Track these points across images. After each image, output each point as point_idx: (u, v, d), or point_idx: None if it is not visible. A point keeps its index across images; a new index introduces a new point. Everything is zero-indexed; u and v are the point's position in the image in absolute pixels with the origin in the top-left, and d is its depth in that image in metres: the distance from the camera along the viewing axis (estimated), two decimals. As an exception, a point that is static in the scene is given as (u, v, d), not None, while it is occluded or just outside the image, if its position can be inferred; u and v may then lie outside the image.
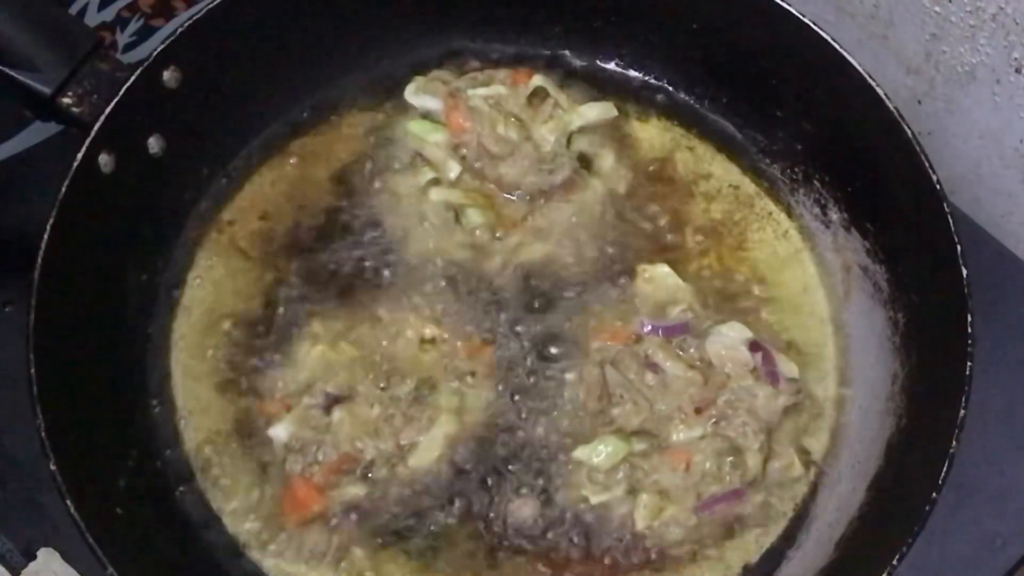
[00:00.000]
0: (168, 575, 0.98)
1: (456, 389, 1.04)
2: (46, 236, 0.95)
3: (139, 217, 1.07)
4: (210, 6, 1.05)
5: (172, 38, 1.03)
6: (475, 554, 1.01)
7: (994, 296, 1.16)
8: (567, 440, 1.03)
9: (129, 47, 1.30)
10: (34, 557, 1.05)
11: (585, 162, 1.14)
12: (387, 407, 1.02)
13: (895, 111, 1.01)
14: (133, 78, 1.00)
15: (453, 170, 1.11)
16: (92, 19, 1.31)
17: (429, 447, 1.02)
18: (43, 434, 0.91)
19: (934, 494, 0.90)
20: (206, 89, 1.08)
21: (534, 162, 1.11)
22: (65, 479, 0.90)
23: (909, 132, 1.01)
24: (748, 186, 1.16)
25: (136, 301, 1.08)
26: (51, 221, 0.95)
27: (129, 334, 1.06)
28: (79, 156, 0.98)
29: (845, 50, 1.03)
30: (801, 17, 1.05)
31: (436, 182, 1.11)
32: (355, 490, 1.01)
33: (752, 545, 1.03)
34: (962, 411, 0.92)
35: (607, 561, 1.01)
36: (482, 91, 1.12)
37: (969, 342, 0.94)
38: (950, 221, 0.98)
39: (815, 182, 1.15)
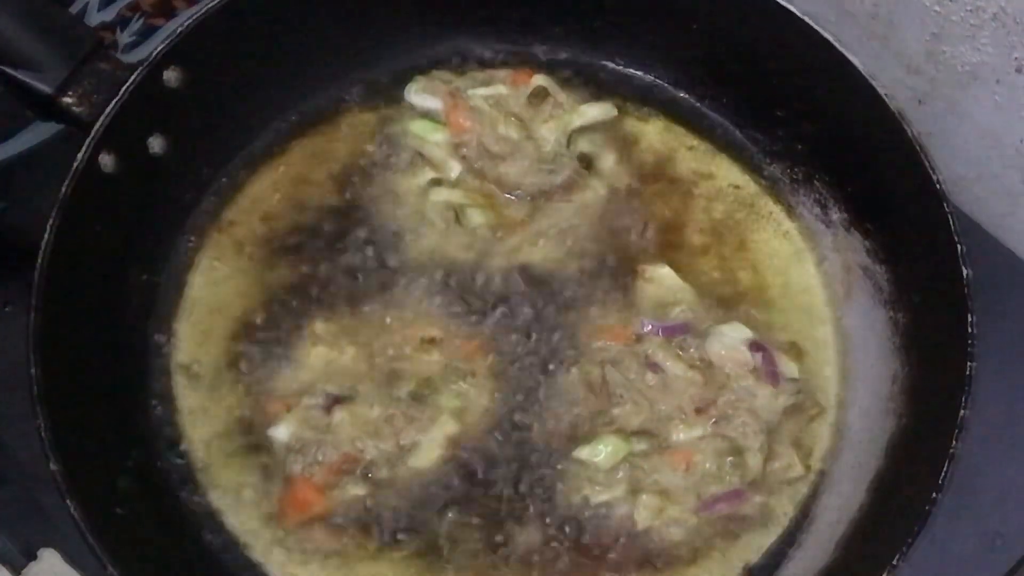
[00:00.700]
0: (168, 575, 0.98)
1: (457, 389, 1.04)
2: (47, 236, 0.95)
3: (140, 217, 1.07)
4: (211, 6, 1.05)
5: (173, 38, 1.03)
6: (477, 554, 1.01)
7: (995, 296, 1.16)
8: (567, 440, 1.03)
9: (130, 47, 1.30)
10: (35, 557, 1.05)
11: (586, 162, 1.14)
12: (388, 407, 1.02)
13: (896, 111, 1.01)
14: (134, 78, 1.00)
15: (454, 170, 1.11)
16: (93, 19, 1.31)
17: (430, 447, 1.02)
18: (44, 434, 0.91)
19: (935, 494, 0.90)
20: (207, 89, 1.07)
21: (535, 162, 1.11)
22: (66, 479, 0.90)
23: (910, 132, 1.01)
24: (749, 186, 1.16)
25: (137, 301, 1.08)
26: (52, 221, 0.95)
27: (130, 334, 1.06)
28: (80, 156, 0.98)
29: (846, 50, 1.03)
30: (802, 17, 1.05)
31: (437, 182, 1.11)
32: (356, 490, 1.01)
33: (753, 545, 1.03)
34: (963, 411, 0.92)
35: (608, 561, 1.01)
36: (483, 91, 1.13)
37: (970, 342, 0.94)
38: (951, 221, 0.98)
39: (816, 182, 1.15)
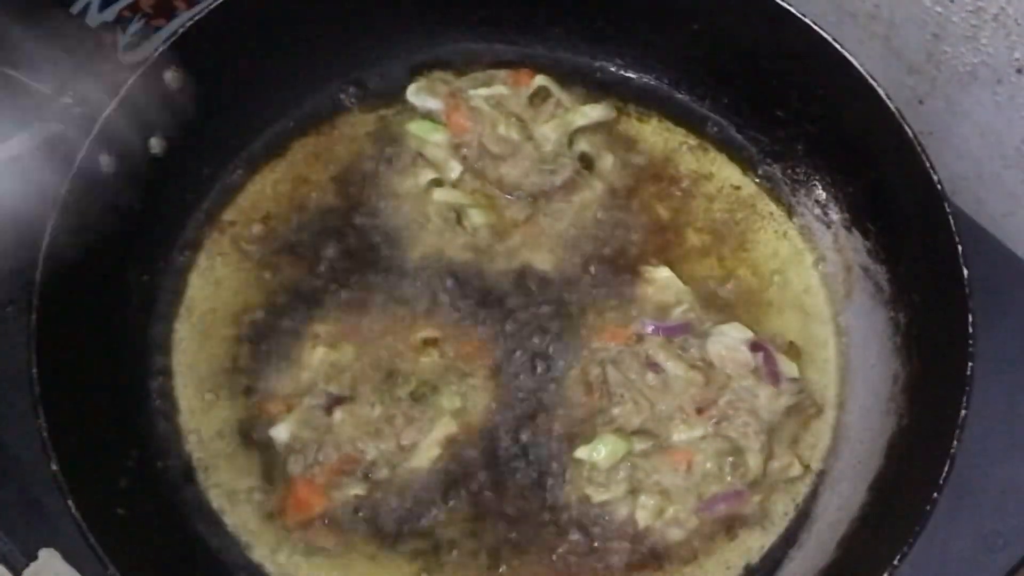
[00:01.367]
0: (168, 575, 0.98)
1: (457, 390, 1.05)
2: (47, 236, 0.95)
3: (140, 217, 1.07)
4: (211, 6, 1.05)
5: (173, 38, 1.03)
6: (476, 554, 1.01)
7: (995, 296, 1.16)
8: (568, 440, 1.03)
9: (130, 47, 1.30)
10: (35, 557, 1.05)
11: (586, 162, 1.14)
12: (388, 408, 1.02)
13: (896, 111, 1.01)
14: (134, 78, 1.00)
15: (454, 170, 1.11)
16: (93, 19, 1.31)
17: (430, 447, 1.02)
18: (44, 434, 0.91)
19: (935, 494, 0.90)
20: (207, 89, 1.08)
21: (535, 162, 1.11)
22: (66, 479, 0.90)
23: (910, 132, 1.01)
24: (749, 186, 1.16)
25: (137, 301, 1.08)
26: (52, 221, 0.96)
27: (130, 334, 1.06)
28: (80, 156, 0.98)
29: (846, 50, 1.03)
30: (802, 17, 1.05)
31: (437, 183, 1.11)
32: (356, 490, 1.01)
33: (753, 545, 1.03)
34: (963, 411, 0.92)
35: (608, 561, 1.01)
36: (483, 91, 1.12)
37: (970, 342, 0.94)
38: (951, 221, 0.98)
39: (816, 182, 1.15)
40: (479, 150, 1.11)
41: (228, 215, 1.13)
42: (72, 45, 1.00)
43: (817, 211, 1.15)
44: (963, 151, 1.22)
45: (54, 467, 0.90)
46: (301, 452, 1.00)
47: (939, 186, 0.99)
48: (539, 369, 1.06)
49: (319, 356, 1.05)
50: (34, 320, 0.93)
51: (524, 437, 1.04)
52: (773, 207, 1.15)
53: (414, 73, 1.17)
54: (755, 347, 1.03)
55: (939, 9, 1.12)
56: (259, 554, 1.01)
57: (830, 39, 1.04)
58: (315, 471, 1.00)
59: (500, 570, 1.01)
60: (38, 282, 0.94)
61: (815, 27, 1.04)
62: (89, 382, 1.00)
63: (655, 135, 1.17)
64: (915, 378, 1.03)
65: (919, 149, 1.00)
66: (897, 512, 0.95)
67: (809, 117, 1.12)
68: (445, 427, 1.03)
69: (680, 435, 1.01)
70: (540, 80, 1.13)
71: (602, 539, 1.01)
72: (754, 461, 1.00)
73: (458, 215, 1.11)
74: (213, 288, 1.10)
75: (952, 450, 0.91)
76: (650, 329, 1.05)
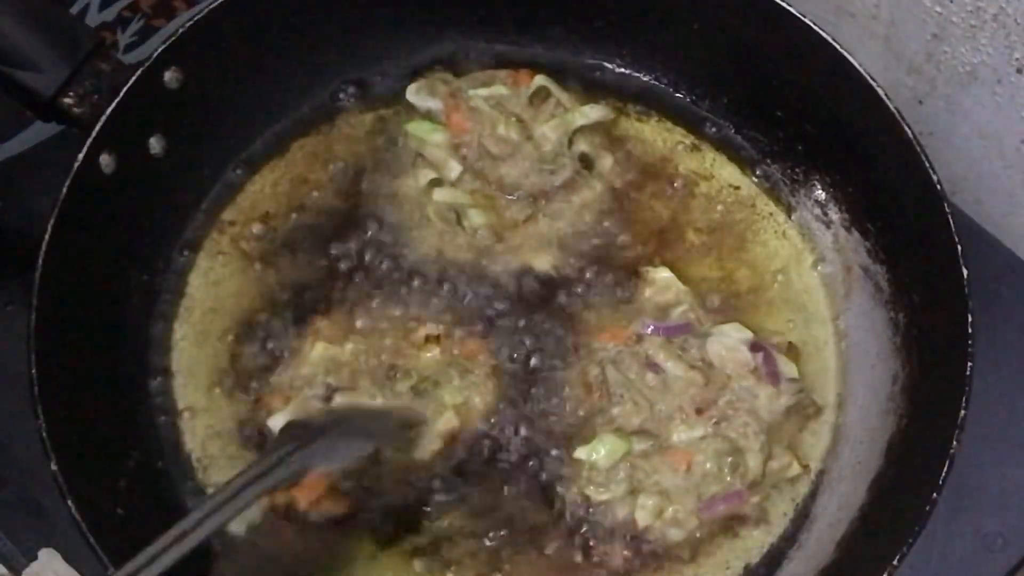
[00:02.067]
0: (168, 575, 0.98)
1: (457, 387, 1.04)
2: (47, 236, 0.95)
3: (140, 217, 1.07)
4: (211, 6, 1.05)
5: (173, 38, 1.03)
6: (476, 553, 1.01)
7: (995, 296, 1.16)
8: (567, 439, 1.03)
9: (130, 47, 1.30)
10: (35, 557, 1.05)
11: (586, 162, 1.14)
12: (389, 400, 1.02)
13: (896, 111, 1.01)
14: (134, 78, 1.00)
15: (454, 171, 1.11)
16: (93, 19, 1.31)
17: (429, 443, 1.02)
18: (44, 434, 0.91)
19: (935, 494, 0.90)
20: (207, 89, 1.08)
21: (535, 162, 1.11)
22: (66, 479, 0.90)
23: (910, 132, 1.01)
24: (748, 186, 1.16)
25: (137, 301, 1.08)
26: (52, 221, 0.96)
27: (130, 334, 1.06)
28: (80, 157, 0.98)
29: (846, 50, 1.03)
30: (801, 17, 1.05)
31: (437, 183, 1.11)
32: (354, 485, 1.01)
33: (753, 545, 1.03)
34: (963, 411, 0.92)
35: (608, 561, 1.01)
36: (483, 91, 1.12)
37: (970, 342, 0.94)
38: (951, 221, 0.97)
39: (815, 182, 1.15)
40: (479, 150, 1.11)
41: (228, 215, 1.13)
42: (72, 45, 1.00)
43: (817, 211, 1.15)
44: (963, 151, 1.22)
45: (54, 467, 0.90)
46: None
47: (939, 186, 0.99)
48: (538, 368, 1.06)
49: (319, 352, 1.05)
50: (34, 320, 0.93)
51: (523, 435, 1.04)
52: (772, 207, 1.15)
53: (414, 73, 1.17)
54: (755, 347, 1.03)
55: (939, 9, 1.12)
56: (259, 554, 1.01)
57: (830, 39, 1.04)
58: (314, 469, 1.00)
59: (499, 569, 1.01)
60: (38, 282, 0.94)
61: (815, 27, 1.04)
62: (89, 382, 1.00)
63: (655, 135, 1.17)
64: (915, 378, 1.03)
65: (919, 149, 1.00)
66: (897, 512, 0.95)
67: (809, 117, 1.12)
68: (445, 423, 1.03)
69: (680, 435, 1.01)
70: (540, 80, 1.13)
71: (602, 539, 1.01)
72: (754, 461, 1.00)
73: (458, 215, 1.11)
74: (213, 288, 1.10)
75: (952, 450, 0.91)
76: (650, 329, 1.05)
